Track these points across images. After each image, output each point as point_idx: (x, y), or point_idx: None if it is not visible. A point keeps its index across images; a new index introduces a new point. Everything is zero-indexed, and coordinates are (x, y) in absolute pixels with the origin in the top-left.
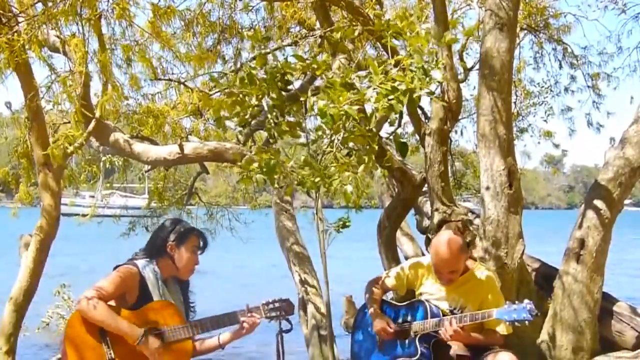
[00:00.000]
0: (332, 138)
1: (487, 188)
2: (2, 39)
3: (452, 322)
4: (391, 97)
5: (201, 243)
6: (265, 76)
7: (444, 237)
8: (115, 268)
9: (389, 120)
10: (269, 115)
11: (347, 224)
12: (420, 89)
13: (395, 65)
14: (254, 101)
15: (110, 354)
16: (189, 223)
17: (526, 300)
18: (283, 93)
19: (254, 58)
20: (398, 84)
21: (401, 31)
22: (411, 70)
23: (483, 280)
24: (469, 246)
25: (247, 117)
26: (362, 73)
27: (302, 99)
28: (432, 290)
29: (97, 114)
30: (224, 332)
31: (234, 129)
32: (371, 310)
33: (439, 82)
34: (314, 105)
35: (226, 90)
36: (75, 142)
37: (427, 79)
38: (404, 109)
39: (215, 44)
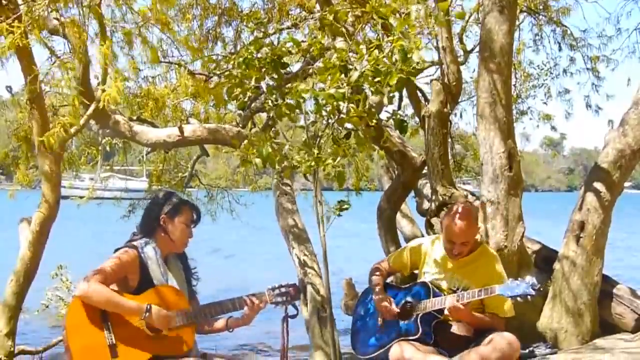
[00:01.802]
0: (328, 121)
1: (487, 171)
2: (3, 25)
3: (455, 299)
4: (377, 78)
5: (194, 216)
6: (264, 59)
7: (460, 207)
8: (115, 251)
9: (386, 102)
10: (268, 98)
11: (346, 206)
12: (401, 70)
13: (378, 49)
14: (252, 84)
15: (111, 339)
16: (181, 196)
17: (529, 276)
18: (282, 76)
19: (252, 43)
20: (380, 66)
21: (385, 16)
22: (400, 52)
23: (488, 261)
24: None
25: (245, 99)
26: (356, 55)
27: (294, 83)
28: (435, 270)
29: (101, 104)
30: (233, 316)
31: (234, 111)
32: (374, 291)
33: (441, 63)
34: (298, 88)
35: (225, 73)
36: (74, 128)
37: (406, 60)
38: (404, 91)
39: (215, 26)
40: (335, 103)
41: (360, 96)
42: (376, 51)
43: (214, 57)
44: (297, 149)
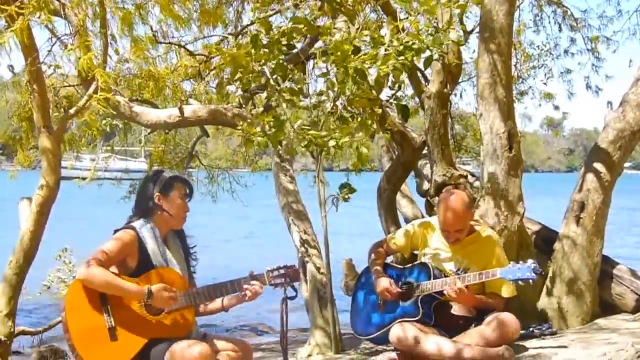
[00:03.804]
0: (335, 101)
1: (487, 151)
2: (12, 7)
3: (456, 282)
4: (401, 57)
5: (187, 190)
6: (268, 40)
7: (453, 194)
8: (114, 233)
9: (394, 82)
10: (271, 81)
11: (353, 190)
12: (434, 48)
13: (401, 30)
14: (256, 65)
15: (110, 322)
16: (169, 172)
17: (530, 260)
18: (284, 57)
19: (253, 22)
20: (411, 43)
21: None
22: (426, 31)
23: (488, 241)
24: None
25: (249, 81)
26: (365, 32)
27: (306, 60)
28: (436, 252)
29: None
30: (229, 296)
31: (235, 92)
32: (374, 271)
33: (454, 42)
34: (314, 66)
35: (228, 55)
36: (74, 108)
37: (441, 38)
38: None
39: (215, 6)
40: (347, 83)
41: (363, 80)
42: (401, 31)
43: (216, 40)
44: (306, 126)
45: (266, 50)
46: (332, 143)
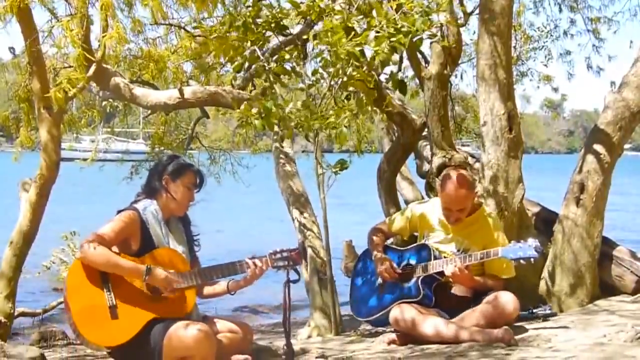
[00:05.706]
0: (331, 82)
1: (487, 133)
2: None
3: (456, 262)
4: (393, 39)
5: (197, 180)
6: (264, 23)
7: (454, 175)
8: (118, 213)
9: (383, 63)
10: (264, 63)
11: (345, 166)
12: (423, 30)
13: (397, 10)
14: (249, 47)
15: (111, 300)
16: (186, 159)
17: (531, 239)
18: (280, 38)
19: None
20: (400, 26)
21: None
22: (415, 13)
23: (488, 222)
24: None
25: (242, 63)
26: (356, 13)
27: (300, 43)
28: (436, 233)
29: (99, 54)
30: (234, 279)
31: (234, 77)
32: (374, 253)
33: (441, 25)
34: (314, 47)
35: (220, 36)
36: (77, 85)
37: (429, 21)
38: (404, 53)
39: None
40: (341, 65)
41: (363, 59)
42: (395, 13)
43: (207, 23)
44: (297, 110)
45: (258, 32)
46: (316, 126)
